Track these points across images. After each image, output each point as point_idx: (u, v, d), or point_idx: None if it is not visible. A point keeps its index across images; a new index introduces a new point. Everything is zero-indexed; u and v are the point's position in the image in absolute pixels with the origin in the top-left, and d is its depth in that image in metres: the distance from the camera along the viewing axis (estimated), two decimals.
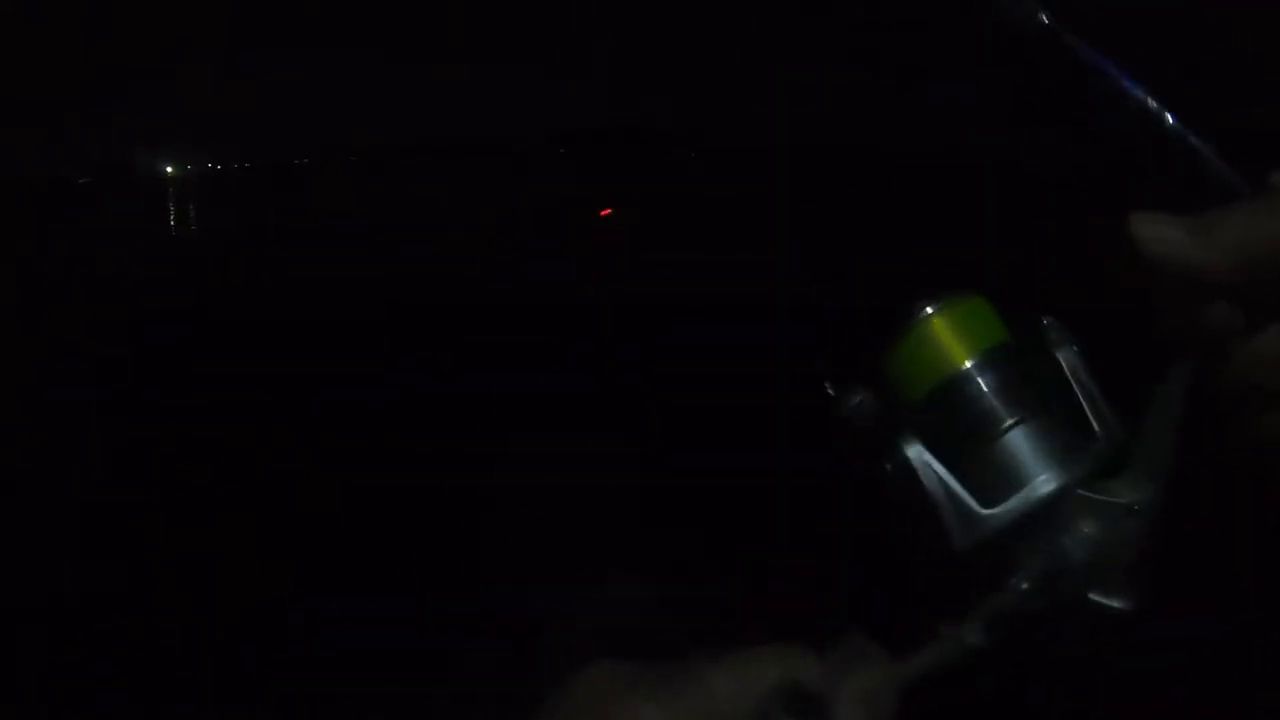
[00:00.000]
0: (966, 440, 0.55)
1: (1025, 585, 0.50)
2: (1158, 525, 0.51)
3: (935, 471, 0.53)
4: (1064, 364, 0.56)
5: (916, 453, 0.54)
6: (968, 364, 0.55)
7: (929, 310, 0.56)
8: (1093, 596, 0.50)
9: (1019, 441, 0.53)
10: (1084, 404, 0.55)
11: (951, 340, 0.55)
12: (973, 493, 0.53)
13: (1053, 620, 0.51)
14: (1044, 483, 0.52)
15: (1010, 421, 0.54)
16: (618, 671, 0.47)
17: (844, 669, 0.47)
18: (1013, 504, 0.52)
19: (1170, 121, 0.53)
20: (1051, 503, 0.52)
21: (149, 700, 3.11)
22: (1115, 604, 0.50)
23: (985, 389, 0.55)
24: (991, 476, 0.54)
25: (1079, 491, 0.52)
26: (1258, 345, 0.50)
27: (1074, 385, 0.55)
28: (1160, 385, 0.54)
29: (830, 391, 0.57)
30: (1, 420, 5.86)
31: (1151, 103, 0.53)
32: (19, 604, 3.65)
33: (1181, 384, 0.53)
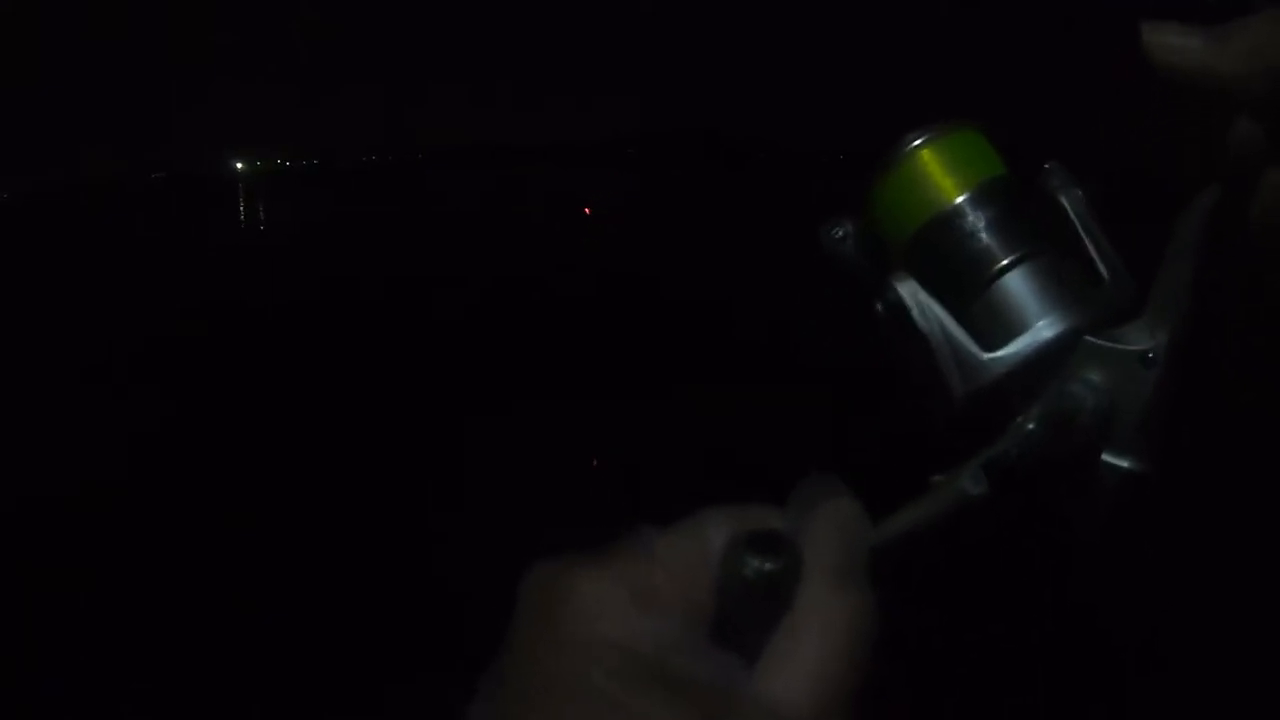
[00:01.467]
0: (962, 282, 0.49)
1: (1031, 427, 0.44)
2: (1173, 376, 0.45)
3: (932, 312, 0.48)
4: (1068, 208, 0.50)
5: (910, 291, 0.49)
6: (960, 199, 0.49)
7: (917, 142, 0.50)
8: (1104, 456, 0.45)
9: (1018, 283, 0.48)
10: (1090, 249, 0.49)
11: (942, 173, 0.50)
12: (972, 337, 0.48)
13: (1059, 477, 0.46)
14: (1048, 326, 0.47)
15: (1008, 260, 0.48)
16: (559, 565, 0.42)
17: (810, 510, 0.43)
18: (1015, 347, 0.47)
19: None
20: (1057, 348, 0.47)
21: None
22: (1127, 464, 0.45)
23: (980, 225, 0.49)
24: (990, 321, 0.48)
25: (1087, 338, 0.46)
26: None
27: (1079, 230, 0.50)
28: (1177, 222, 0.47)
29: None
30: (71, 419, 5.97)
31: None
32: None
33: (1200, 220, 0.47)
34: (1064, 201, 0.50)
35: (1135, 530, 0.45)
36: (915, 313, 0.48)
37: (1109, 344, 0.46)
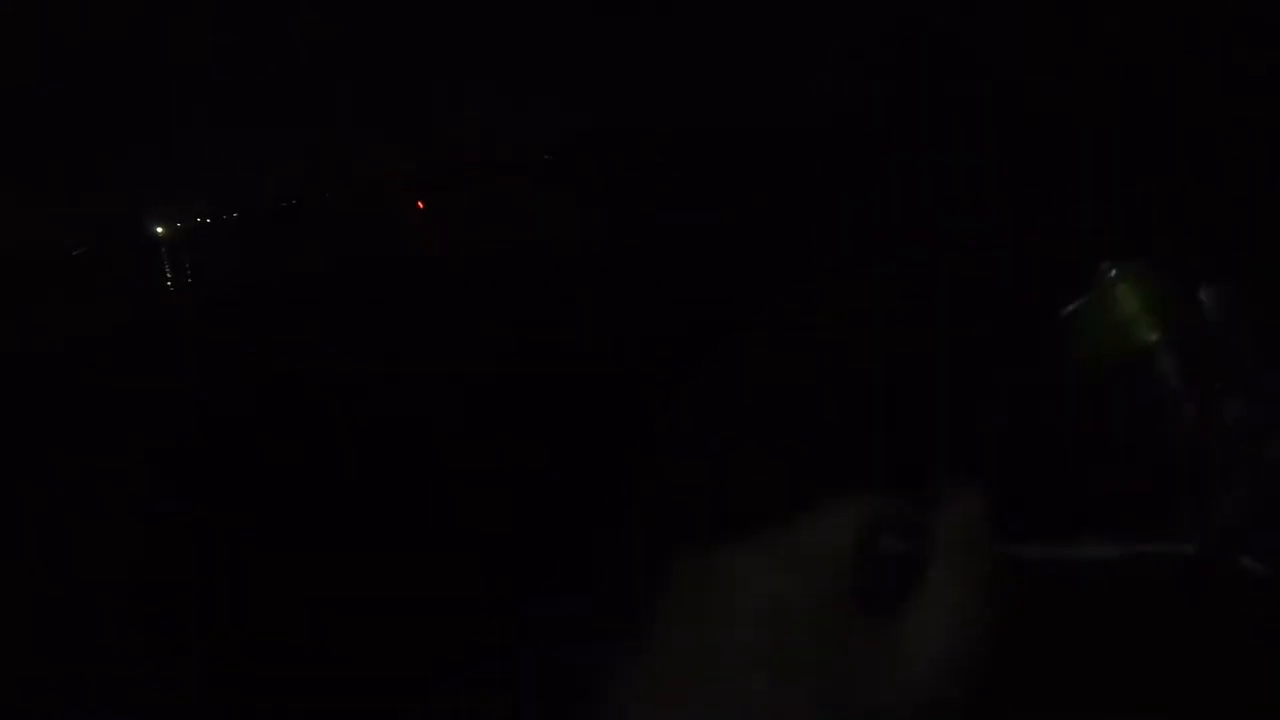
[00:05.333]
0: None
1: (1191, 549, 0.47)
2: None
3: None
4: (1224, 329, 0.52)
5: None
6: (1154, 337, 0.52)
7: (1113, 275, 0.53)
8: (1244, 558, 0.47)
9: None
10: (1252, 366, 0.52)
11: (1138, 311, 0.53)
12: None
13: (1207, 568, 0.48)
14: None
15: (1197, 410, 0.51)
16: (710, 570, 0.47)
17: (942, 497, 0.47)
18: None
19: None
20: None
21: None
22: (1261, 569, 0.47)
23: (1170, 371, 0.51)
24: None
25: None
26: None
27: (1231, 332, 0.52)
28: None
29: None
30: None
31: None
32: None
33: None
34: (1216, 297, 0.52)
35: None
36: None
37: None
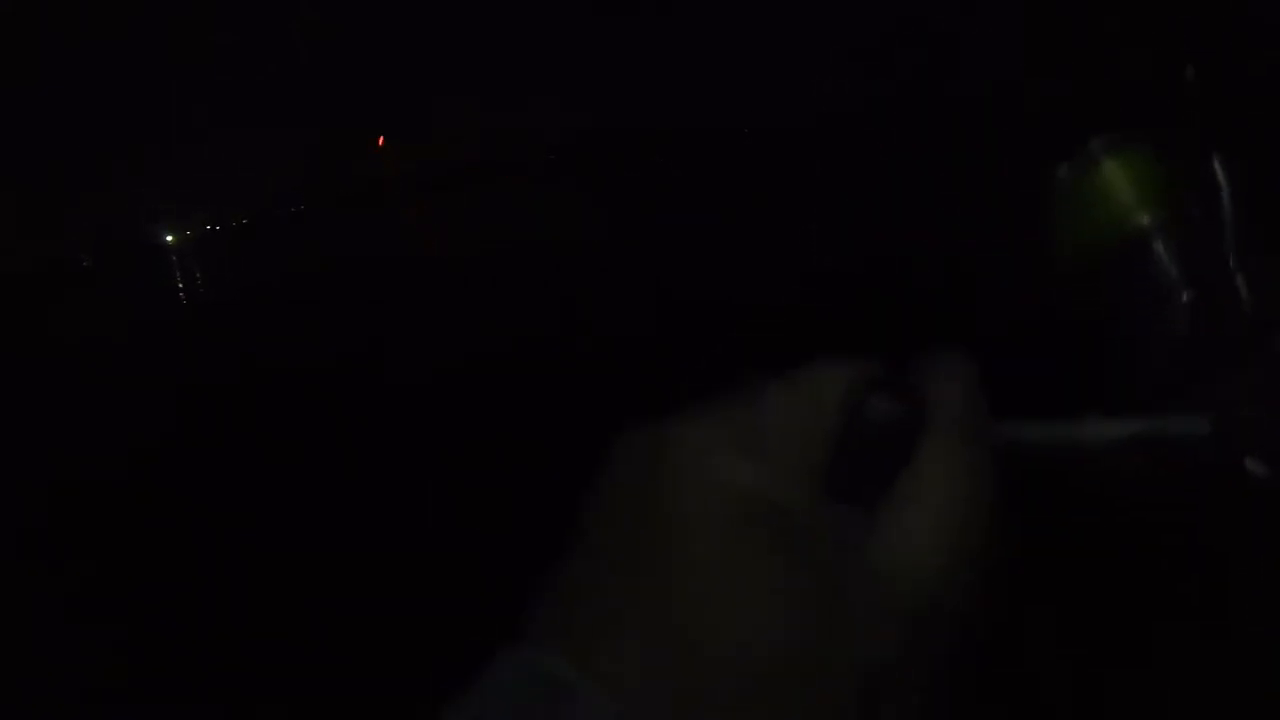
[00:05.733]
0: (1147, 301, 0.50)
1: (1207, 429, 0.43)
2: None
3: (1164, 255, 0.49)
4: (1224, 183, 0.50)
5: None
6: (1147, 220, 0.50)
7: (1106, 153, 0.51)
8: (1248, 462, 0.44)
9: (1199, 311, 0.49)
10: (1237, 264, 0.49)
11: (1131, 192, 0.51)
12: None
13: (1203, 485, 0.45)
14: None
15: (1190, 294, 0.49)
16: (655, 423, 0.37)
17: (935, 371, 0.40)
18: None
19: None
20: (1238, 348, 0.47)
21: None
22: (1262, 472, 0.44)
23: (1167, 252, 0.49)
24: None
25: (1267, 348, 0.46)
26: None
27: (1235, 212, 0.50)
28: None
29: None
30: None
31: None
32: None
33: None
34: (1221, 175, 0.50)
35: None
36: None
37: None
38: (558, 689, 0.32)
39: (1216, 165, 0.51)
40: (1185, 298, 0.49)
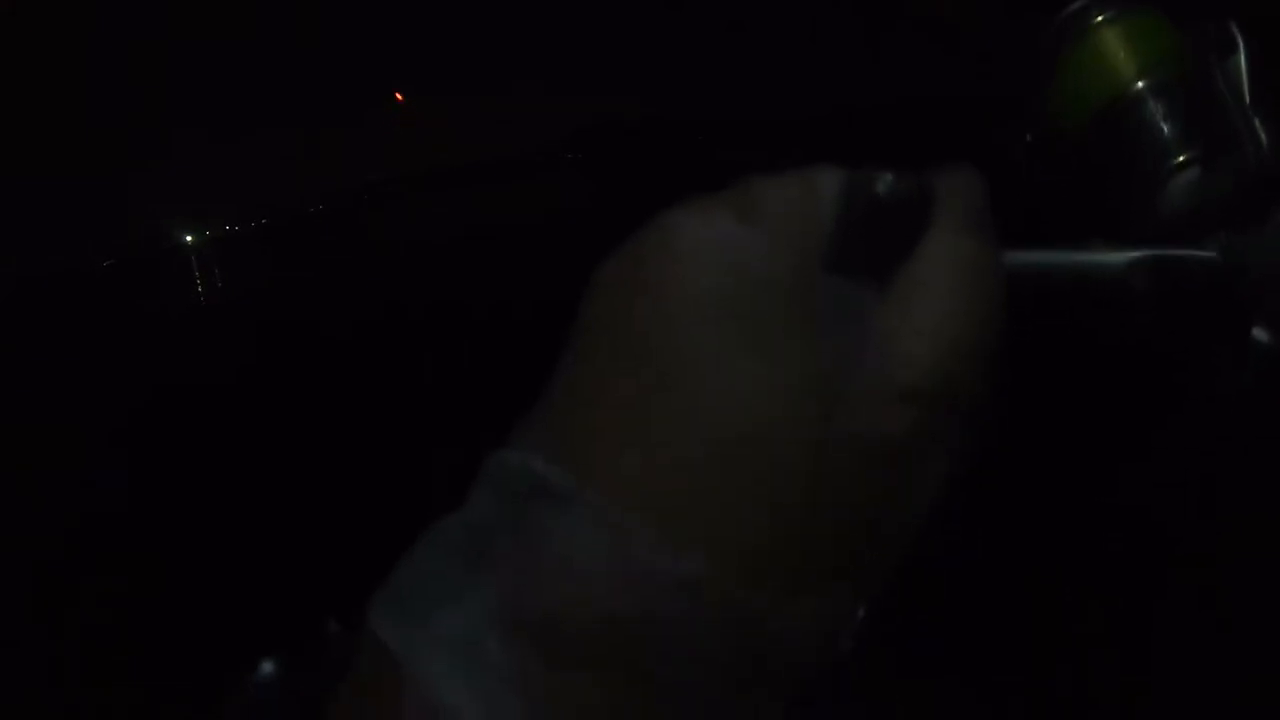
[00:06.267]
0: (1136, 170, 0.50)
1: (1213, 255, 0.43)
2: None
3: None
4: (1221, 77, 0.50)
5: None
6: (1141, 84, 0.50)
7: (1100, 18, 0.51)
8: (1255, 330, 0.44)
9: (1191, 179, 0.49)
10: (1243, 118, 0.49)
11: (1126, 54, 0.51)
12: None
13: (1212, 329, 0.45)
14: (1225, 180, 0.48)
15: (1184, 158, 0.49)
16: (642, 229, 0.35)
17: (941, 174, 0.38)
18: (1179, 197, 0.48)
19: None
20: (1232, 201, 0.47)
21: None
22: (1268, 339, 0.44)
23: (1159, 115, 0.50)
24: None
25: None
26: None
27: (1237, 98, 0.49)
28: None
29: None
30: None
31: None
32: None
33: None
34: (1218, 70, 0.50)
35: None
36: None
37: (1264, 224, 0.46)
38: (537, 494, 0.30)
39: (1227, 27, 0.51)
40: (1188, 155, 0.49)
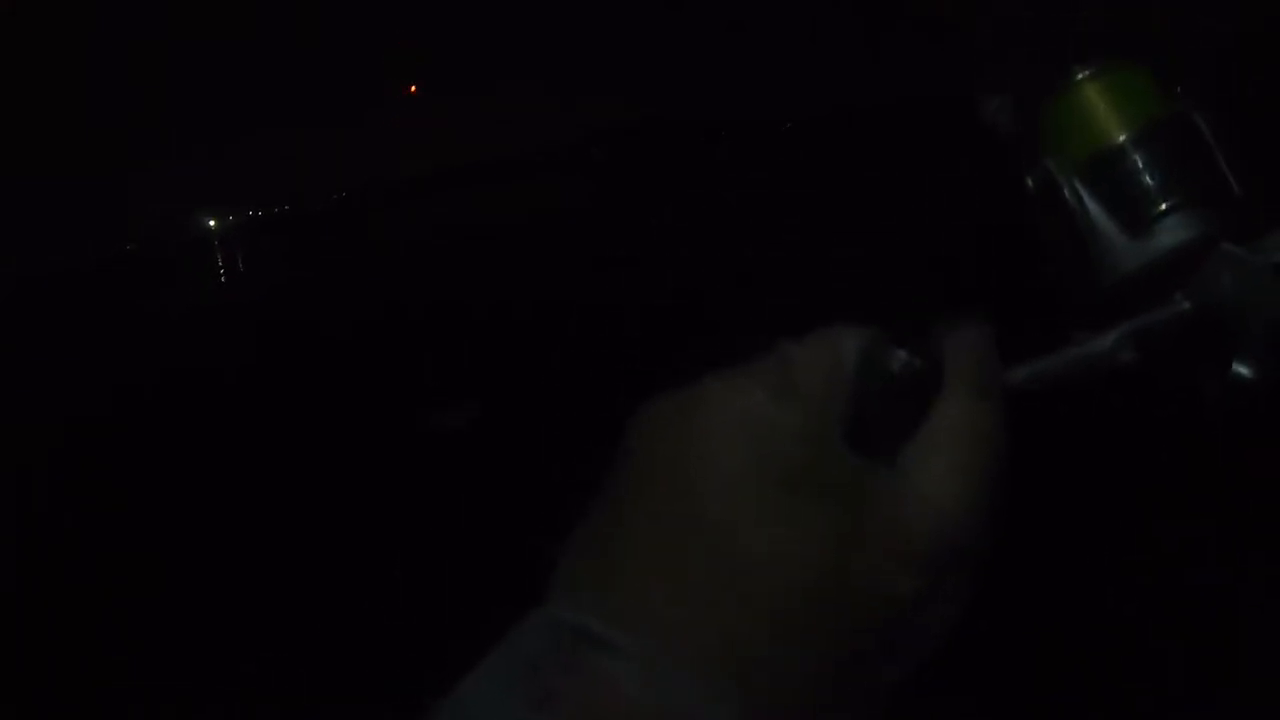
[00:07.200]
0: (1124, 218, 0.50)
1: (1186, 306, 0.46)
2: None
3: (1078, 192, 0.50)
4: (1203, 128, 0.51)
5: (1061, 167, 0.51)
6: (1123, 138, 0.51)
7: (1083, 75, 0.52)
8: (1235, 364, 0.46)
9: (1176, 223, 0.49)
10: (1223, 166, 0.50)
11: (1107, 110, 0.51)
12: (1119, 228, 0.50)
13: (1196, 370, 0.47)
14: (1188, 227, 0.49)
15: (1167, 205, 0.50)
16: (683, 395, 0.39)
17: (949, 330, 0.42)
18: (1159, 240, 0.49)
19: None
20: (1197, 250, 0.48)
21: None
22: (1248, 373, 0.45)
23: (1140, 166, 0.50)
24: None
25: (1223, 245, 0.47)
26: None
27: (1213, 150, 0.50)
28: None
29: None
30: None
31: None
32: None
33: None
34: (1198, 122, 0.51)
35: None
36: (1065, 190, 0.50)
37: (1243, 252, 0.47)
38: (589, 643, 0.34)
39: (1193, 91, 0.52)
40: (1163, 207, 0.50)
